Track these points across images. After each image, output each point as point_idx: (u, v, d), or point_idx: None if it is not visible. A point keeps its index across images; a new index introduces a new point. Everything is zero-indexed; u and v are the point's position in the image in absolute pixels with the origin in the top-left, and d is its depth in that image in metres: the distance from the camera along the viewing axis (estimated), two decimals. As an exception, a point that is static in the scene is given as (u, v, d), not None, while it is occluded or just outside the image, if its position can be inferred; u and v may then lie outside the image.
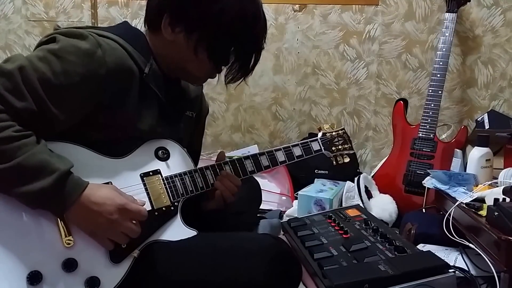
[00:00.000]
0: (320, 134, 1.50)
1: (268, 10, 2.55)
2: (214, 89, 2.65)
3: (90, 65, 1.05)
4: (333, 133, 1.50)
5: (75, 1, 2.62)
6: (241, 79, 1.27)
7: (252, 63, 1.25)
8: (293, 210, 2.10)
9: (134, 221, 1.09)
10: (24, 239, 1.02)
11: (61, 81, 1.03)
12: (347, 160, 1.51)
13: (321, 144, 1.47)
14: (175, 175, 1.22)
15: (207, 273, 1.12)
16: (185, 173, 1.24)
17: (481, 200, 1.41)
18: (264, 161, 1.36)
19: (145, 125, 1.18)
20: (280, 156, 1.39)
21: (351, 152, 1.53)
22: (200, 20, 1.15)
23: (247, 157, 1.34)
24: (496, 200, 1.27)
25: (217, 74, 1.27)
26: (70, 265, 1.05)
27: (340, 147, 1.50)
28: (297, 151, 1.41)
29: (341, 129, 1.53)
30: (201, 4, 1.15)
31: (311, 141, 1.45)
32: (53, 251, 1.04)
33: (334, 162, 1.51)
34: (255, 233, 1.66)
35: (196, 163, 1.45)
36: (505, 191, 1.30)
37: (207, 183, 1.26)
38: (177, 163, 1.24)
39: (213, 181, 1.27)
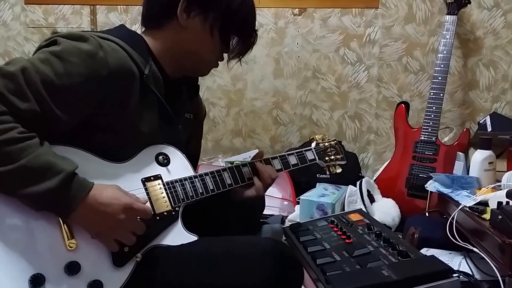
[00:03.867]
0: (313, 144, 1.56)
1: (268, 14, 2.55)
2: (214, 94, 2.65)
3: (92, 66, 1.05)
4: (326, 144, 1.57)
5: (74, 7, 2.62)
6: (244, 54, 1.33)
7: (253, 37, 1.31)
8: (295, 215, 2.09)
9: (138, 218, 1.10)
10: (26, 242, 1.02)
11: (63, 82, 1.03)
12: (339, 170, 1.58)
13: (315, 154, 1.53)
14: (176, 181, 1.22)
15: (208, 278, 1.11)
16: (185, 179, 1.24)
17: (485, 203, 1.40)
18: None
19: (146, 127, 1.18)
20: (277, 165, 1.44)
21: (343, 162, 1.60)
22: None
23: (244, 165, 1.37)
24: (499, 203, 1.26)
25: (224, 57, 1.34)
26: (73, 268, 1.04)
27: (333, 157, 1.57)
28: (293, 160, 1.47)
29: (333, 140, 1.60)
30: None
31: (305, 151, 1.51)
32: (56, 254, 1.03)
33: (328, 172, 1.59)
34: (255, 236, 1.65)
35: (194, 168, 1.46)
36: (508, 194, 1.29)
37: (206, 189, 1.27)
38: (177, 168, 1.25)
39: (213, 187, 1.28)
